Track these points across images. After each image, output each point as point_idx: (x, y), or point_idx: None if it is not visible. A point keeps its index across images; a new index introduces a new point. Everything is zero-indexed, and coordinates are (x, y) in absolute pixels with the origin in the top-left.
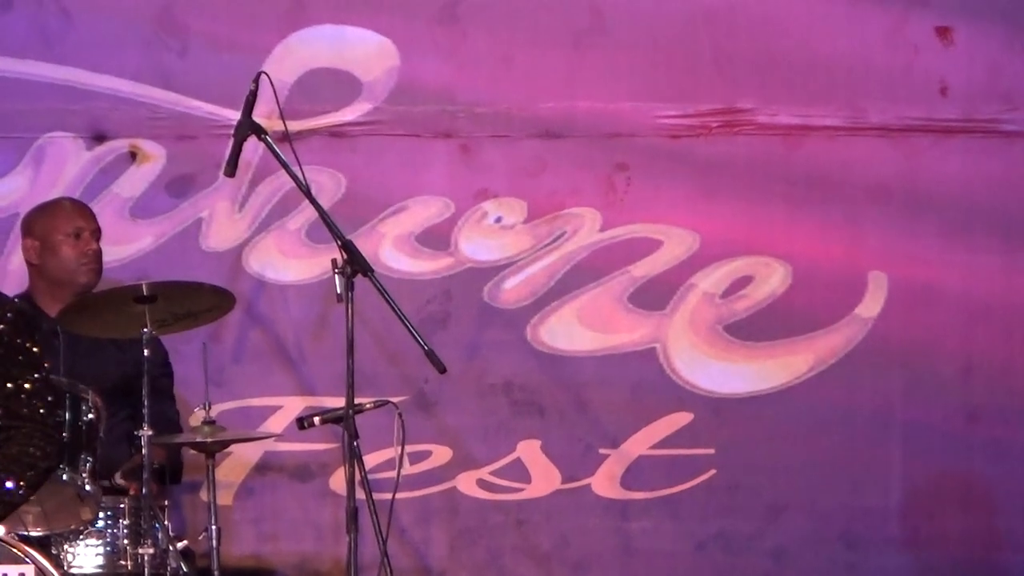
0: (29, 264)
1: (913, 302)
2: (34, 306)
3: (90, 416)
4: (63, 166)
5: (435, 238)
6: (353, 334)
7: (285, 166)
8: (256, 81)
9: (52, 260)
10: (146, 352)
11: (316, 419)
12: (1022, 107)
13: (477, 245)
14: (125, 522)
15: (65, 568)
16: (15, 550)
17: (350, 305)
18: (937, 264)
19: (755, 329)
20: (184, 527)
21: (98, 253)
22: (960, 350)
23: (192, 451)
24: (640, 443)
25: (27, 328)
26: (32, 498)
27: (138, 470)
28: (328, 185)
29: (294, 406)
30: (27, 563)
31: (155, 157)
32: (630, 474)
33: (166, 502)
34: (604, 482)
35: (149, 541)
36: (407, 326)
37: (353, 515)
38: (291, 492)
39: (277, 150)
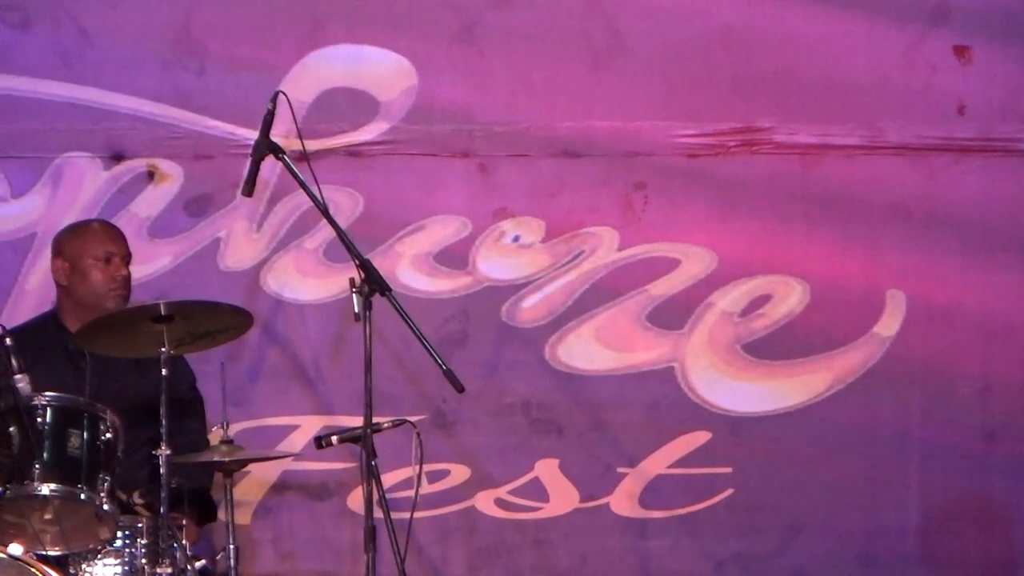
0: (58, 284)
1: (931, 321)
2: (60, 326)
3: (108, 436)
4: (81, 186)
5: (453, 257)
6: (371, 353)
7: (303, 185)
8: (274, 101)
9: (81, 284)
10: (164, 371)
11: (334, 438)
12: None
13: (495, 264)
14: (143, 541)
15: None
16: (33, 569)
17: (368, 324)
18: (956, 283)
19: (773, 348)
20: (202, 546)
21: (127, 279)
22: (978, 369)
23: None
24: (658, 462)
25: None
26: (50, 517)
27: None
28: (346, 204)
29: (312, 425)
30: None
31: (173, 177)
32: (648, 493)
33: (184, 521)
34: (622, 501)
35: (167, 561)
36: (425, 345)
37: (371, 534)
38: (309, 511)
39: (295, 169)
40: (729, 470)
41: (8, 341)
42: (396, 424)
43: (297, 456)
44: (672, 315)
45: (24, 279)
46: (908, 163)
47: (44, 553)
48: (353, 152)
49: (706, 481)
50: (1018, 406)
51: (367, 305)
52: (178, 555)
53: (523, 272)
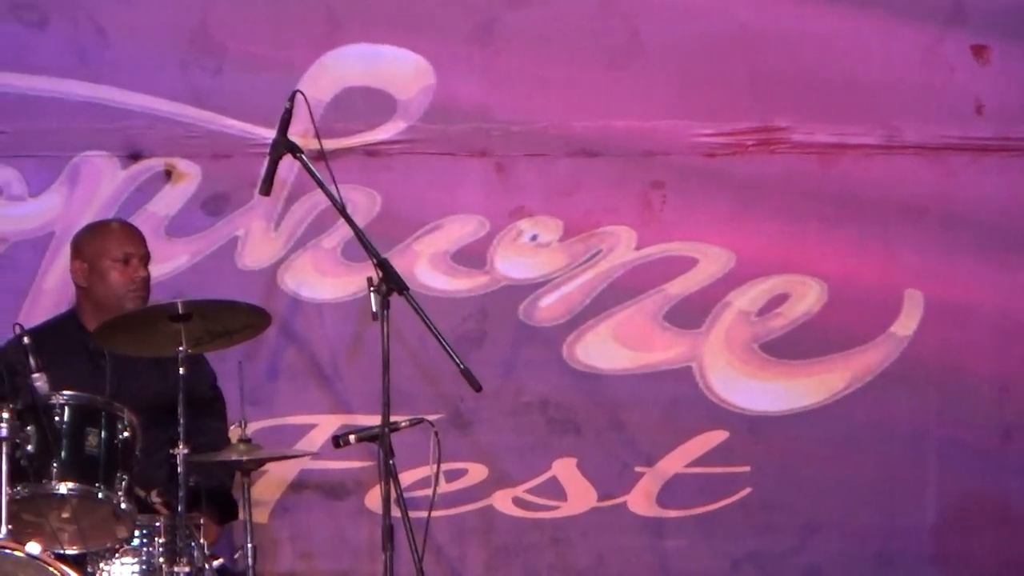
0: (77, 285)
1: (949, 321)
2: (79, 325)
3: (126, 435)
4: (98, 185)
5: (470, 256)
6: (388, 352)
7: (320, 185)
8: (291, 100)
9: (100, 285)
10: (181, 370)
11: (352, 437)
12: None
13: (512, 263)
14: (161, 540)
15: None
16: (51, 568)
17: (385, 323)
18: (973, 283)
19: (791, 347)
20: (222, 545)
21: (146, 280)
22: (996, 369)
23: None
24: (676, 461)
25: None
26: (68, 516)
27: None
28: (363, 203)
29: (329, 424)
30: None
31: (190, 176)
32: (666, 492)
33: (201, 520)
34: (640, 500)
35: (185, 559)
36: (443, 344)
37: (389, 533)
38: (327, 510)
39: (312, 169)
40: (746, 469)
41: (26, 340)
42: (414, 423)
43: (315, 455)
44: (690, 314)
45: (42, 278)
46: (926, 163)
47: (62, 552)
48: (371, 151)
49: (723, 480)
50: None
51: (385, 304)
52: (196, 554)
53: (541, 271)
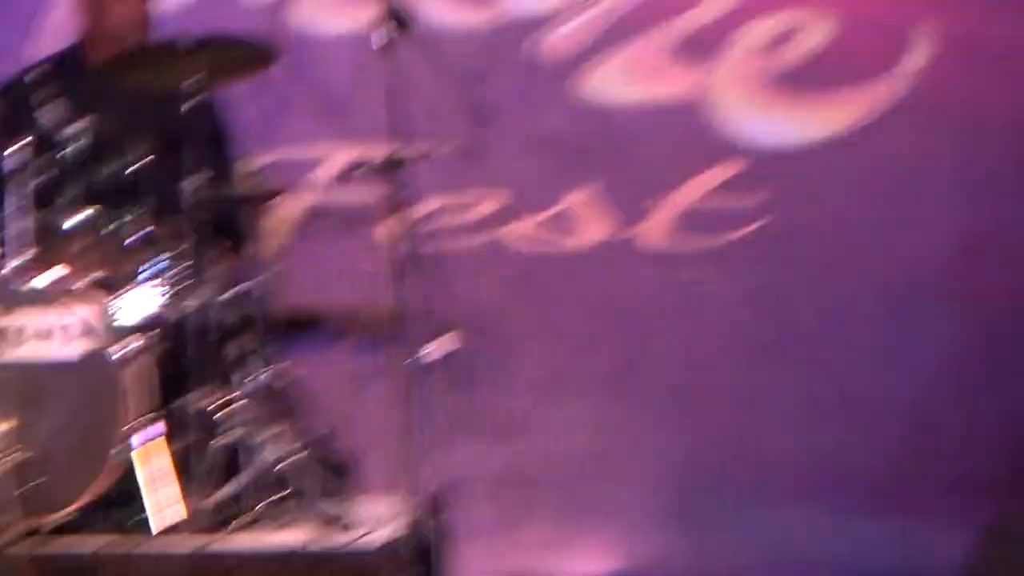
0: (80, 21)
1: (960, 54)
2: (83, 63)
3: (135, 165)
4: None
5: None
6: (396, 86)
7: None
8: None
9: (103, 20)
10: (188, 105)
11: (362, 169)
12: None
13: None
14: (176, 267)
15: (111, 318)
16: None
17: (393, 57)
18: (984, 16)
19: (802, 80)
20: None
21: (147, 12)
22: (1007, 99)
23: None
24: (688, 194)
25: None
26: (82, 245)
27: None
28: None
29: (339, 157)
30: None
31: None
32: (678, 225)
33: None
34: (653, 232)
35: (201, 287)
36: (450, 79)
37: (400, 265)
38: (338, 242)
39: None
40: (758, 203)
41: (31, 75)
42: (423, 156)
43: (325, 188)
44: (700, 48)
45: (45, 15)
46: None
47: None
48: None
49: (736, 213)
50: None
51: (392, 38)
52: (215, 276)
53: (548, 5)
